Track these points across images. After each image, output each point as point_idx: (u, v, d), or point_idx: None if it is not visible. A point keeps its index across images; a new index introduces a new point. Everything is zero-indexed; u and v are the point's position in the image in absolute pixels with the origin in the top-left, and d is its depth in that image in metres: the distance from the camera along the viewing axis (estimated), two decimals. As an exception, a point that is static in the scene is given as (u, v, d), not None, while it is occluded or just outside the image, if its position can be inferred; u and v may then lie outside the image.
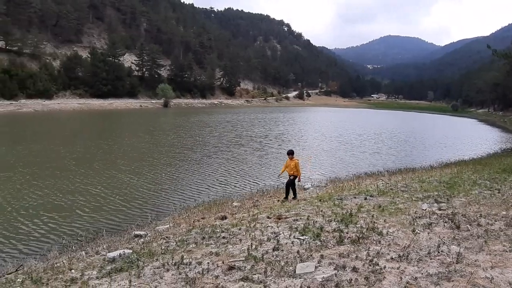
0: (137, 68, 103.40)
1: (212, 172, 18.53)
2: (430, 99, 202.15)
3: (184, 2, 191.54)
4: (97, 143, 27.17)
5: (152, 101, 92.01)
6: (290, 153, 11.08)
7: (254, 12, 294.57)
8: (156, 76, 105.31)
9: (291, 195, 11.22)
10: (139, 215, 11.64)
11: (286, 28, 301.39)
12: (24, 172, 16.99)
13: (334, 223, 6.56)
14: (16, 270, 7.17)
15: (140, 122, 51.57)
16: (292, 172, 10.92)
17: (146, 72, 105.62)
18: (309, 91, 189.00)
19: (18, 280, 5.28)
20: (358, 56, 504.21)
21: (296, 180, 11.06)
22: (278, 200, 11.20)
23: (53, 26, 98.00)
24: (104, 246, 7.72)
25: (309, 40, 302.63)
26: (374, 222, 6.46)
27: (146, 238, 7.64)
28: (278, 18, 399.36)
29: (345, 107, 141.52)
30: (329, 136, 38.15)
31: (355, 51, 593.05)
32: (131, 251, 6.04)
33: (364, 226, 6.22)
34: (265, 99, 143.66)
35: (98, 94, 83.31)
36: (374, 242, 5.34)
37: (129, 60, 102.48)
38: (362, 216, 7.01)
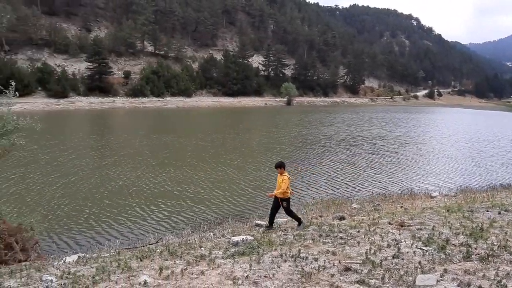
0: (263, 68, 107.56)
1: (324, 172, 18.20)
2: None
3: (309, 1, 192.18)
4: (226, 137, 29.21)
5: (276, 99, 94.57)
6: (278, 166, 7.87)
7: (380, 7, 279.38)
8: (281, 75, 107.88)
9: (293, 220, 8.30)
10: (260, 206, 12.20)
11: (415, 23, 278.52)
12: (172, 162, 19.28)
13: (462, 236, 5.93)
14: (157, 242, 8.22)
15: (263, 119, 53.69)
16: (279, 193, 7.67)
17: (272, 72, 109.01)
18: (440, 90, 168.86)
19: (158, 250, 6.03)
20: (496, 51, 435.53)
21: (284, 203, 7.66)
22: (401, 207, 10.44)
23: (193, 32, 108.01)
24: (229, 230, 8.35)
25: (440, 35, 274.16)
26: (507, 240, 5.64)
27: (264, 228, 8.00)
28: (406, 12, 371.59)
29: (480, 108, 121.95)
30: (457, 141, 33.56)
31: (493, 46, 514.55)
32: (253, 238, 6.41)
33: (495, 243, 5.46)
34: (391, 98, 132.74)
35: (229, 92, 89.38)
36: (505, 262, 4.68)
37: (256, 60, 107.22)
38: (494, 232, 6.15)
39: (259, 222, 8.75)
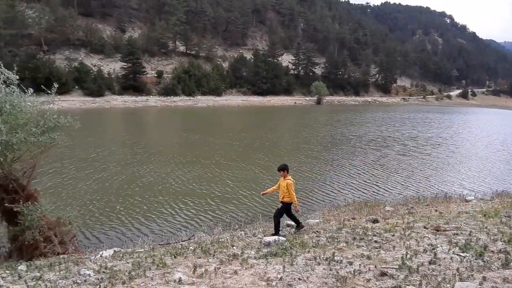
0: (293, 67, 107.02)
1: (354, 173, 17.71)
2: None
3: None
4: (254, 136, 29.16)
5: (306, 98, 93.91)
6: (281, 169, 7.44)
7: (412, 5, 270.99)
8: (311, 74, 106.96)
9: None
10: None
11: (448, 20, 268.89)
12: (200, 160, 19.49)
13: (500, 243, 5.63)
14: (189, 239, 8.30)
15: (292, 118, 53.37)
16: (282, 197, 7.36)
17: (302, 71, 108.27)
18: (474, 90, 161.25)
19: (191, 248, 6.07)
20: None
21: (293, 209, 7.51)
22: (436, 210, 10.05)
23: (223, 31, 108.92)
24: (260, 229, 8.32)
25: (474, 33, 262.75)
26: (547, 247, 5.31)
27: (297, 229, 7.91)
28: (439, 9, 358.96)
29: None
30: (491, 142, 31.68)
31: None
32: (285, 239, 6.34)
33: (534, 250, 5.18)
34: (423, 98, 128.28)
35: (258, 91, 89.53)
36: (547, 270, 4.40)
37: (286, 59, 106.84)
38: (532, 239, 5.84)
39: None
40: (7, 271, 5.23)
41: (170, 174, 16.06)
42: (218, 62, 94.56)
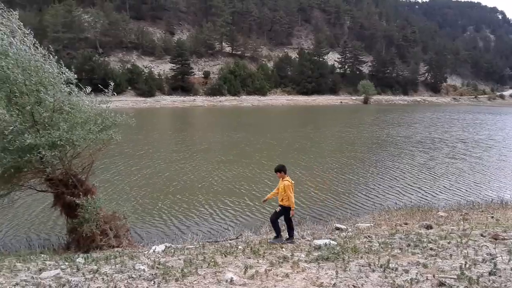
0: (339, 66, 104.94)
1: (401, 177, 16.69)
2: None
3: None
4: (297, 136, 28.78)
5: (352, 97, 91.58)
6: (278, 170, 7.00)
7: (462, 0, 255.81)
8: (358, 72, 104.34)
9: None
10: (338, 208, 11.76)
11: (500, 16, 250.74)
12: (241, 160, 19.55)
13: None
14: (237, 238, 8.27)
15: (338, 118, 52.14)
16: (281, 200, 6.88)
17: (348, 69, 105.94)
18: None
19: (240, 247, 6.02)
20: None
21: (279, 208, 6.89)
22: (492, 217, 9.25)
23: (268, 31, 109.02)
24: (308, 232, 8.12)
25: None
26: None
27: (347, 233, 7.63)
28: (490, 5, 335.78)
29: None
30: None
31: None
32: (336, 243, 6.12)
33: None
34: (475, 98, 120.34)
35: (303, 91, 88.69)
36: None
37: (332, 58, 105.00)
38: None
39: (339, 225, 8.40)
40: (66, 263, 5.43)
41: (212, 172, 16.19)
42: (263, 62, 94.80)
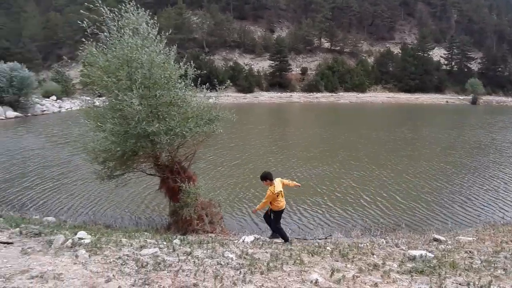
0: (445, 62, 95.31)
1: (503, 188, 14.01)
2: None
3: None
4: (391, 135, 26.81)
5: (459, 97, 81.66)
6: (262, 178, 7.19)
7: None
8: (466, 70, 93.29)
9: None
10: (438, 218, 10.59)
11: None
12: (323, 157, 18.94)
13: None
14: (325, 238, 8.00)
15: (441, 118, 47.09)
16: (271, 204, 7.15)
17: (455, 66, 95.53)
18: None
19: (328, 248, 5.75)
20: None
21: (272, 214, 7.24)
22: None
23: (369, 26, 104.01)
24: (403, 240, 7.45)
25: None
26: None
27: (446, 246, 6.83)
28: None
29: None
30: None
31: None
32: (432, 255, 5.52)
33: None
34: None
35: (405, 88, 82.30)
36: None
37: (437, 54, 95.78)
38: None
39: (437, 236, 7.57)
40: (164, 243, 5.80)
41: (296, 168, 15.89)
42: (363, 57, 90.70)
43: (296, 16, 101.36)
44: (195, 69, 8.02)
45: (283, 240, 7.11)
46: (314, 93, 76.20)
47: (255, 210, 7.62)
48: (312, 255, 5.10)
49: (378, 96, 77.49)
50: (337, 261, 4.94)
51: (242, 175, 14.53)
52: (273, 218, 7.19)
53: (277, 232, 7.24)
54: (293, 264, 4.50)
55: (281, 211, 7.14)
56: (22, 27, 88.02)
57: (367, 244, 6.63)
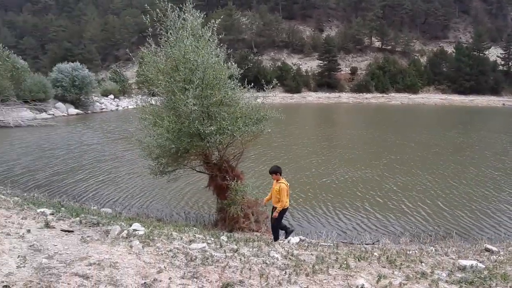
0: (502, 62, 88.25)
1: None
2: None
3: None
4: (442, 139, 25.32)
5: (518, 99, 75.42)
6: (273, 172, 6.87)
7: None
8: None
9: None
10: (491, 227, 9.95)
11: None
12: (367, 161, 18.34)
13: None
14: (373, 243, 7.78)
15: (496, 122, 43.67)
16: (276, 202, 6.80)
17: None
18: None
19: (375, 254, 5.59)
20: None
21: (274, 213, 6.83)
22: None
23: (422, 24, 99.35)
24: (453, 249, 7.07)
25: None
26: None
27: (498, 256, 6.39)
28: None
29: None
30: None
31: None
32: (483, 266, 5.20)
33: None
34: None
35: (459, 90, 77.47)
36: None
37: (494, 53, 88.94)
38: None
39: (489, 246, 7.10)
40: (212, 239, 5.95)
41: (352, 171, 15.49)
42: (416, 57, 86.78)
43: (346, 14, 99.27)
44: (244, 68, 8.16)
45: (285, 237, 7.06)
46: (364, 93, 74.23)
47: (276, 213, 6.95)
48: (358, 260, 5.00)
49: (430, 98, 73.76)
50: (384, 267, 4.80)
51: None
52: (275, 216, 6.93)
53: (275, 230, 7.11)
54: (339, 268, 4.44)
55: (285, 210, 7.01)
56: (83, 30, 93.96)
57: (416, 251, 6.38)
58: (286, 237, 7.11)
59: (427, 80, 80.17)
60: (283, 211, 6.91)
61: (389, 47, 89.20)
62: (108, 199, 11.69)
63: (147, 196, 11.93)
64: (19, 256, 4.05)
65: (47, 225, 5.50)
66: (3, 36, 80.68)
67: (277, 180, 6.90)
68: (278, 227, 7.10)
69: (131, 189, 12.69)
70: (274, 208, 6.95)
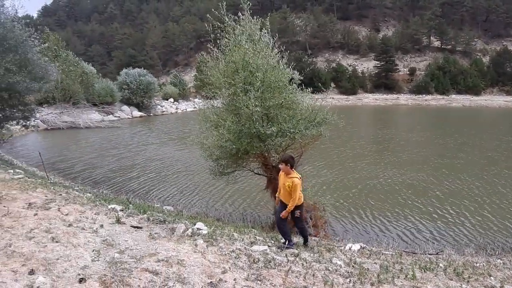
0: None
1: None
2: None
3: None
4: (505, 145, 23.20)
5: None
6: (285, 160, 5.48)
7: None
8: None
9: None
10: None
11: None
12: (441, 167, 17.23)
13: None
14: (437, 253, 7.33)
15: None
16: (284, 198, 5.56)
17: None
18: None
19: (441, 265, 5.28)
20: None
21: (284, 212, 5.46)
22: None
23: (483, 22, 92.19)
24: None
25: None
26: None
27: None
28: None
29: None
30: None
31: None
32: None
33: None
34: None
35: (526, 92, 70.91)
36: None
37: None
38: None
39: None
40: (272, 241, 5.95)
41: (414, 176, 14.73)
42: (477, 57, 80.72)
43: (403, 14, 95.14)
44: (303, 74, 8.09)
45: (303, 241, 6.14)
46: (424, 95, 70.45)
47: (286, 212, 5.58)
48: (424, 271, 4.74)
49: (494, 100, 67.98)
50: (451, 279, 4.52)
51: (336, 181, 13.98)
52: (298, 216, 5.72)
53: (301, 228, 6.12)
54: (404, 278, 4.24)
55: (301, 207, 5.73)
56: (145, 37, 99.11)
57: (483, 264, 5.92)
58: (304, 243, 6.16)
59: (490, 81, 73.91)
60: (297, 209, 5.64)
61: (449, 46, 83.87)
62: (168, 196, 12.13)
63: (205, 195, 12.21)
64: (93, 250, 4.33)
65: (118, 221, 5.83)
66: (73, 44, 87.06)
67: (286, 174, 5.62)
68: (303, 227, 6.17)
69: (189, 187, 13.07)
70: (281, 204, 5.78)
